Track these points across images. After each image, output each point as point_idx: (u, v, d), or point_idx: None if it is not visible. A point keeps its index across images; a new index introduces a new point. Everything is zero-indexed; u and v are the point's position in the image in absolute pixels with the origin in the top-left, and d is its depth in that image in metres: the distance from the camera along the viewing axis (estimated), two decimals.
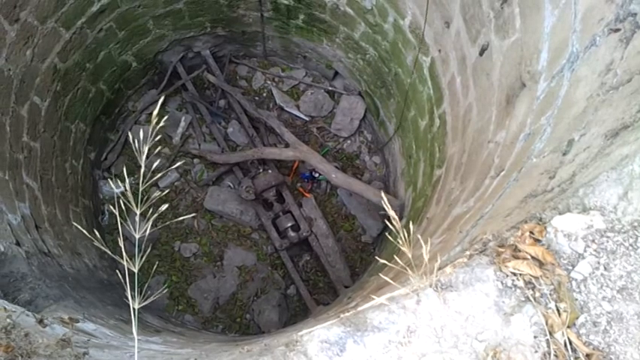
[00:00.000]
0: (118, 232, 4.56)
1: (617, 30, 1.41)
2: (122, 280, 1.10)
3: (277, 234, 4.59)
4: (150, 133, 1.00)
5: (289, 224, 4.54)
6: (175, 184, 4.81)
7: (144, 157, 0.99)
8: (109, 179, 4.65)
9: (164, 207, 1.17)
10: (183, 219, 4.56)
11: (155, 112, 1.05)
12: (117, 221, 4.53)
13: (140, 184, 1.02)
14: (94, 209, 4.43)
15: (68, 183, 3.92)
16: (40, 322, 1.86)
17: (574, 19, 1.62)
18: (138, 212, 1.04)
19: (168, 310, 4.47)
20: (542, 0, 1.81)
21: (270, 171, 4.64)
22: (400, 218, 3.74)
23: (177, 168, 4.64)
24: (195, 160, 4.90)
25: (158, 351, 2.51)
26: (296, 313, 4.58)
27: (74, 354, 1.66)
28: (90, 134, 4.30)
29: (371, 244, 4.75)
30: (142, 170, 0.98)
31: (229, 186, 4.86)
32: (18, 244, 2.80)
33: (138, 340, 2.73)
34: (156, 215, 1.03)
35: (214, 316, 4.51)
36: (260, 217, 4.64)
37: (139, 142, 1.00)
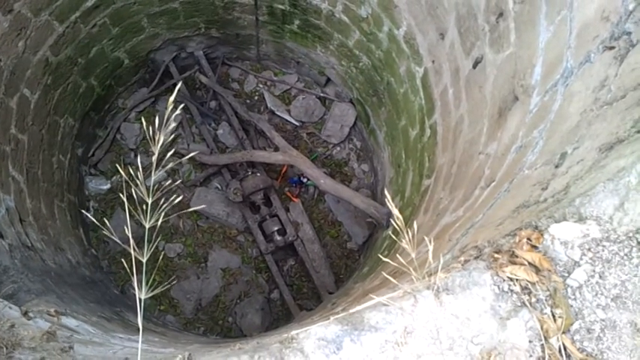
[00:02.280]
0: (107, 228, 4.51)
1: (612, 48, 1.44)
2: (128, 271, 1.09)
3: (263, 237, 4.57)
4: (164, 119, 1.00)
5: (276, 228, 4.53)
6: (162, 182, 4.77)
7: (158, 145, 0.99)
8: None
9: (178, 199, 1.16)
10: (169, 218, 4.53)
11: (171, 99, 1.05)
12: (102, 217, 4.47)
13: (153, 173, 1.02)
14: (79, 205, 4.37)
15: (54, 177, 3.87)
16: (25, 314, 1.83)
17: (569, 36, 1.65)
18: (149, 201, 1.03)
19: (150, 309, 4.41)
20: (537, 16, 1.85)
21: (258, 174, 4.63)
22: (387, 226, 3.76)
23: (164, 167, 4.63)
24: (184, 160, 4.87)
25: (141, 349, 2.48)
26: (279, 318, 4.56)
27: (60, 347, 1.64)
28: (78, 129, 4.25)
29: (356, 251, 4.76)
30: (155, 157, 0.98)
31: (217, 187, 4.84)
32: (1, 236, 2.75)
33: (120, 337, 2.70)
34: (167, 205, 1.03)
35: (196, 317, 4.47)
36: (246, 219, 4.62)
37: (153, 129, 1.00)
